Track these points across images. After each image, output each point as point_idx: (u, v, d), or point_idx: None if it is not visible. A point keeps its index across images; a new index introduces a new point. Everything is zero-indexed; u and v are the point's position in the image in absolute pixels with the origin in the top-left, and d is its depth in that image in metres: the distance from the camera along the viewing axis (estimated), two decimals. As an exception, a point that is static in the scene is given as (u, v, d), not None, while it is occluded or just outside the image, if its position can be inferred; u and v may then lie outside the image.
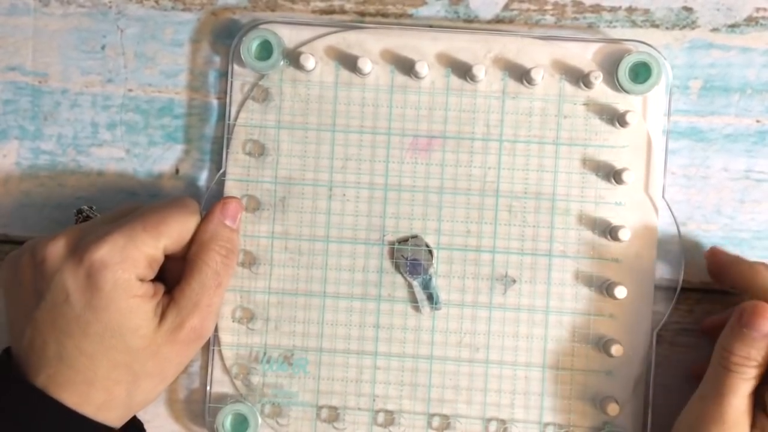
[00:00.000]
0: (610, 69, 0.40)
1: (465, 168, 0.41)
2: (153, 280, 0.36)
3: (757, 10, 0.41)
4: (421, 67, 0.40)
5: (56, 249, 0.34)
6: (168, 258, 0.36)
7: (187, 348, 0.36)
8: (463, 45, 0.41)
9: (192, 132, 0.42)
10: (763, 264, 0.37)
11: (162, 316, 0.35)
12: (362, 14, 0.42)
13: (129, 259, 0.34)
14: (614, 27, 0.41)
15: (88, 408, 0.34)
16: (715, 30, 0.41)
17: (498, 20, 0.42)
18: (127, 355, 0.34)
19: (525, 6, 0.42)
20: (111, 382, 0.34)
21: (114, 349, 0.34)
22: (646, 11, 0.41)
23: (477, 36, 0.41)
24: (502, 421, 0.40)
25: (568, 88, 0.41)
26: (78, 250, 0.34)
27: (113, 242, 0.34)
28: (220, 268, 0.36)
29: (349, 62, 0.41)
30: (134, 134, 0.43)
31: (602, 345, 0.40)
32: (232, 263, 0.37)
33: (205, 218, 0.37)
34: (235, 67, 0.41)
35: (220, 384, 0.41)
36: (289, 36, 0.41)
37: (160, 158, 0.43)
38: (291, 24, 0.41)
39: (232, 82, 0.41)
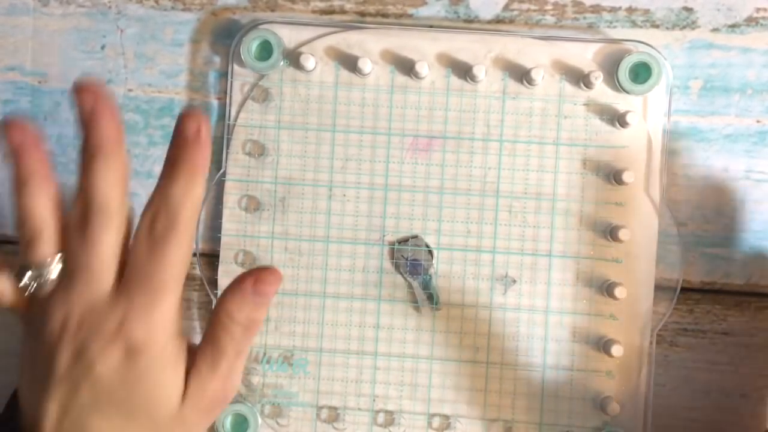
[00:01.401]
0: (611, 69, 0.40)
1: (465, 168, 0.41)
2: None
3: (757, 10, 0.41)
4: (421, 68, 0.40)
5: (94, 328, 0.32)
6: None
7: (211, 413, 0.34)
8: (463, 45, 0.41)
9: (192, 132, 0.42)
10: None
11: (186, 383, 0.33)
12: (362, 14, 0.42)
13: (160, 327, 0.32)
14: (614, 27, 0.41)
15: None
16: (715, 30, 0.41)
17: (498, 20, 0.42)
18: (154, 427, 0.32)
19: (525, 6, 0.42)
20: None
21: (142, 424, 0.32)
22: (646, 11, 0.41)
23: (477, 36, 0.41)
24: (503, 421, 0.40)
25: (569, 88, 0.41)
26: (114, 330, 0.31)
27: (144, 313, 0.31)
28: (241, 338, 0.33)
29: (349, 62, 0.41)
30: (134, 134, 0.43)
31: (602, 345, 0.40)
32: (254, 332, 0.33)
33: (235, 288, 0.32)
34: (235, 67, 0.41)
35: (220, 384, 0.41)
36: (289, 36, 0.41)
37: (160, 158, 0.42)
38: (291, 24, 0.41)
39: (232, 82, 0.41)
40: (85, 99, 0.31)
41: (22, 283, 0.33)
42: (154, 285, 0.32)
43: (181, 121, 0.32)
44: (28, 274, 0.33)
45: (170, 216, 0.32)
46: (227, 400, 0.34)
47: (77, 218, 0.32)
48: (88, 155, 0.32)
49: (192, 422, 0.33)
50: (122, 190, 0.32)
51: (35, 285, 0.33)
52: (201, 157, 0.32)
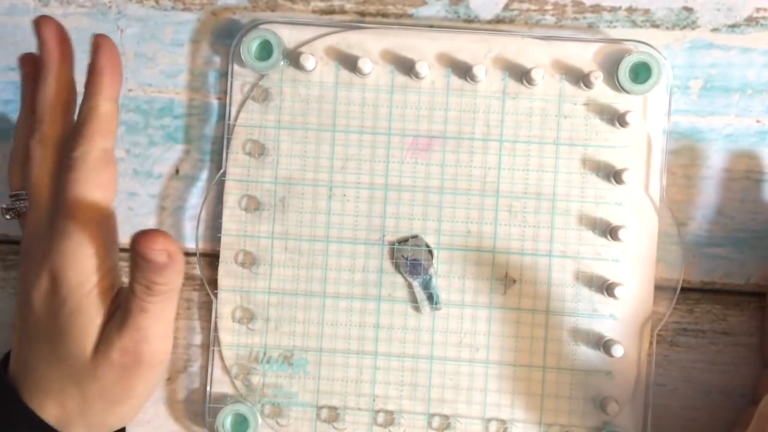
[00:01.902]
0: (611, 69, 0.40)
1: (465, 168, 0.41)
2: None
3: (758, 10, 0.41)
4: (421, 67, 0.40)
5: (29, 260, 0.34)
6: None
7: (126, 372, 0.33)
8: (463, 45, 0.41)
9: (192, 132, 0.42)
10: None
11: (99, 337, 0.33)
12: (362, 14, 0.42)
13: (80, 257, 0.33)
14: (614, 27, 0.41)
15: (48, 419, 0.33)
16: (715, 30, 0.41)
17: (498, 20, 0.42)
18: (72, 368, 0.33)
19: (525, 6, 0.42)
20: (64, 396, 0.33)
21: (62, 359, 0.33)
22: (647, 11, 0.41)
23: (477, 36, 0.41)
24: (503, 422, 0.40)
25: (569, 88, 0.41)
26: (41, 257, 0.33)
27: (72, 245, 0.33)
28: (142, 296, 0.32)
29: (349, 62, 0.41)
30: (134, 134, 0.43)
31: (602, 345, 0.40)
32: (157, 292, 0.32)
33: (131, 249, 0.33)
34: (235, 67, 0.41)
35: (220, 384, 0.41)
36: (289, 36, 0.41)
37: (160, 158, 0.43)
38: (291, 24, 0.41)
39: (232, 82, 0.41)
40: (36, 28, 0.35)
41: (3, 205, 0.37)
42: (66, 207, 0.33)
43: (93, 44, 0.35)
44: (8, 199, 0.37)
45: (75, 134, 0.34)
46: (144, 365, 0.33)
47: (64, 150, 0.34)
48: (40, 77, 0.35)
49: (104, 376, 0.33)
50: (57, 106, 0.34)
51: (14, 211, 0.37)
52: (103, 75, 0.35)
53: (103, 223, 0.34)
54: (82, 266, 0.33)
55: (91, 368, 0.33)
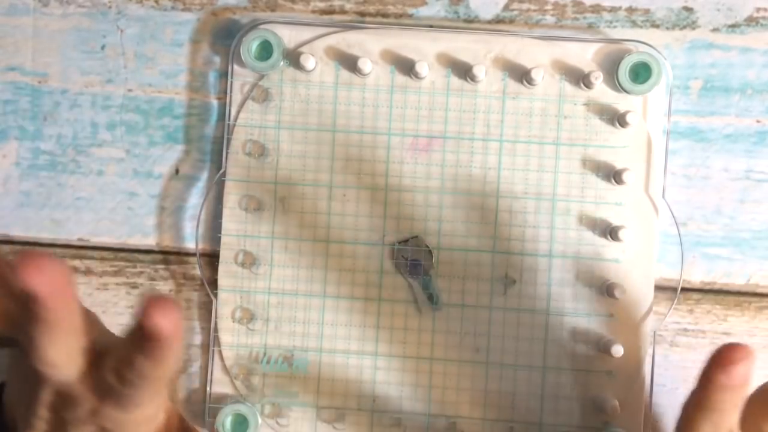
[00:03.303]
0: (611, 69, 0.40)
1: (465, 168, 0.41)
2: None
3: (758, 10, 0.41)
4: (421, 68, 0.40)
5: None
6: None
7: None
8: (463, 45, 0.41)
9: (192, 132, 0.42)
10: None
11: None
12: (362, 14, 0.42)
13: (140, 422, 0.30)
14: (614, 27, 0.41)
15: None
16: (715, 30, 0.41)
17: (498, 20, 0.42)
18: None
19: (525, 6, 0.42)
20: None
21: None
22: (647, 11, 0.41)
23: (477, 36, 0.41)
24: (503, 421, 0.40)
25: (569, 88, 0.41)
26: (88, 413, 0.29)
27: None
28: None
29: (349, 62, 0.41)
30: (134, 134, 0.43)
31: (602, 345, 0.40)
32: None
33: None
34: (235, 67, 0.41)
35: (220, 384, 0.41)
36: (289, 36, 0.41)
37: (160, 158, 0.43)
38: (291, 24, 0.41)
39: (232, 82, 0.41)
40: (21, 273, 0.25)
41: None
42: (127, 405, 0.29)
43: (145, 312, 0.26)
44: None
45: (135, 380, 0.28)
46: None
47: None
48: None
49: None
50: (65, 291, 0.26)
51: None
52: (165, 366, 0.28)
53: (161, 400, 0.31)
54: (136, 428, 0.30)
55: None
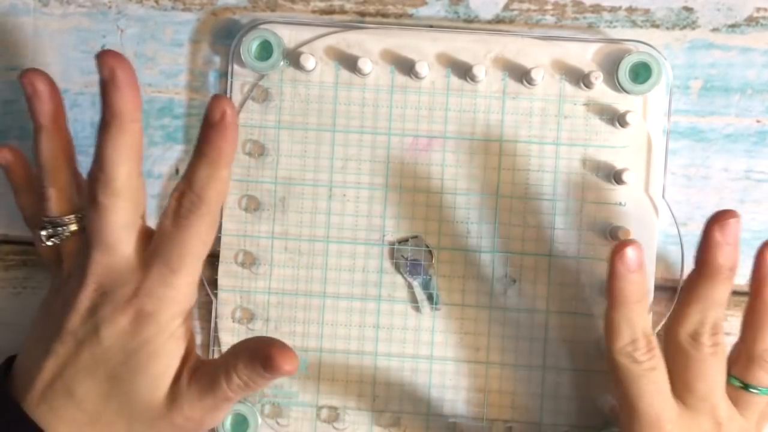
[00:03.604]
0: (611, 69, 0.40)
1: (465, 168, 0.41)
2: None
3: (758, 10, 0.41)
4: (421, 68, 0.40)
5: (109, 299, 0.33)
6: None
7: (182, 431, 0.34)
8: (463, 45, 0.41)
9: (192, 132, 0.42)
10: None
11: (172, 385, 0.34)
12: (362, 14, 0.42)
13: (172, 301, 0.33)
14: (614, 27, 0.41)
15: None
16: (715, 30, 0.41)
17: (498, 20, 0.42)
18: (133, 407, 0.33)
19: (525, 6, 0.42)
20: (109, 430, 0.33)
21: (127, 397, 0.33)
22: (647, 11, 0.41)
23: (477, 36, 0.41)
24: (503, 422, 0.40)
25: (568, 88, 0.41)
26: (128, 297, 0.33)
27: (159, 286, 0.33)
28: (235, 389, 0.33)
29: (349, 62, 0.41)
30: (134, 134, 0.43)
31: (602, 345, 0.40)
32: (253, 390, 0.34)
33: (253, 351, 0.33)
34: (235, 67, 0.41)
35: (220, 384, 0.41)
36: (289, 36, 0.41)
37: (160, 158, 0.43)
38: (291, 24, 0.41)
39: (232, 82, 0.41)
40: (105, 67, 0.33)
41: (43, 233, 0.36)
42: (172, 260, 0.33)
43: (209, 106, 0.33)
44: (47, 227, 0.36)
45: (194, 196, 0.33)
46: (200, 431, 0.35)
47: (89, 185, 0.34)
48: (101, 124, 0.33)
49: (160, 429, 0.34)
50: (130, 163, 0.33)
51: (54, 238, 0.36)
52: (225, 142, 0.33)
53: (197, 276, 0.35)
54: (173, 313, 0.33)
55: (152, 416, 0.33)
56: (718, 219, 0.34)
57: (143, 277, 0.33)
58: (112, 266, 0.34)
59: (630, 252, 0.34)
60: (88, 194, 0.34)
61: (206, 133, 0.33)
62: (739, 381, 0.36)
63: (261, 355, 0.32)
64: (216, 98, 0.33)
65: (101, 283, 0.34)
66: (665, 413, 0.34)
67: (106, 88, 0.33)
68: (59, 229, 0.36)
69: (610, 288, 0.34)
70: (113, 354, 0.33)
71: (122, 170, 0.33)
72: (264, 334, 0.41)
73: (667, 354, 0.36)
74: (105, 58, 0.32)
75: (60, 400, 0.33)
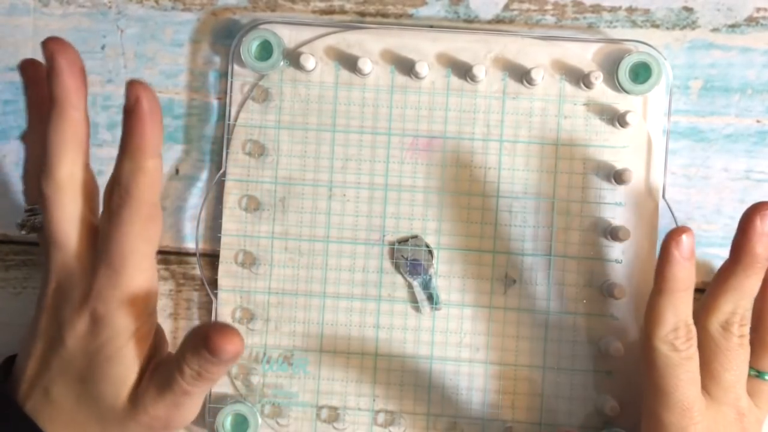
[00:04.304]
0: (611, 69, 0.40)
1: (465, 168, 0.41)
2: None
3: (758, 10, 0.41)
4: (421, 68, 0.40)
5: (71, 295, 0.33)
6: None
7: (152, 431, 0.34)
8: (463, 45, 0.41)
9: (192, 132, 0.42)
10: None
11: (135, 387, 0.33)
12: (362, 14, 0.42)
13: (123, 303, 0.32)
14: (614, 27, 0.41)
15: None
16: (715, 30, 0.41)
17: (498, 20, 0.42)
18: (100, 410, 0.33)
19: (525, 6, 0.42)
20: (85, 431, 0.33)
21: (94, 399, 0.33)
22: (647, 11, 0.41)
23: (477, 36, 0.41)
24: (503, 421, 0.40)
25: (569, 88, 0.41)
26: (81, 299, 0.32)
27: (113, 288, 0.32)
28: (190, 381, 0.32)
29: (349, 62, 0.41)
30: (134, 134, 0.42)
31: (602, 345, 0.40)
32: (208, 380, 0.32)
33: (195, 336, 0.31)
34: (235, 67, 0.41)
35: (220, 384, 0.41)
36: (289, 36, 0.41)
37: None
38: (291, 24, 0.41)
39: (232, 82, 0.41)
40: (46, 52, 0.31)
41: (19, 220, 0.36)
42: (114, 260, 0.32)
43: (125, 93, 0.31)
44: (23, 215, 0.36)
45: (122, 191, 0.32)
46: (171, 428, 0.34)
47: (39, 178, 0.33)
48: (47, 111, 0.32)
49: (130, 429, 0.33)
50: (73, 154, 0.32)
51: (26, 228, 0.35)
52: (144, 130, 0.31)
53: (149, 273, 0.33)
54: (126, 314, 0.32)
55: (120, 417, 0.33)
56: (759, 209, 0.34)
57: (93, 277, 0.32)
58: (66, 264, 0.33)
59: (686, 238, 0.33)
60: (38, 187, 0.32)
61: (125, 123, 0.31)
62: (754, 370, 0.36)
63: (203, 340, 0.30)
64: (130, 84, 0.30)
65: (59, 282, 0.33)
66: (697, 403, 0.34)
67: (48, 75, 0.31)
68: (33, 218, 0.35)
69: (660, 273, 0.34)
70: (77, 356, 0.33)
71: (64, 161, 0.31)
72: (264, 334, 0.41)
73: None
74: (47, 44, 0.31)
75: (40, 400, 0.33)
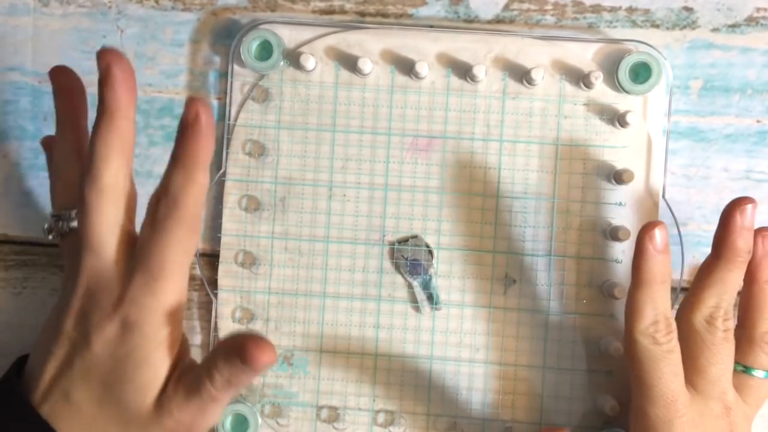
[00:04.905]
0: (611, 69, 0.40)
1: (465, 168, 0.41)
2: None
3: (758, 10, 0.41)
4: (421, 68, 0.40)
5: (101, 300, 0.33)
6: None
7: None
8: (463, 45, 0.41)
9: (192, 132, 0.42)
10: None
11: (161, 393, 0.33)
12: (362, 14, 0.42)
13: (156, 310, 0.33)
14: (614, 27, 0.41)
15: None
16: (715, 30, 0.41)
17: (498, 20, 0.42)
18: (124, 414, 0.33)
19: (525, 6, 0.42)
20: None
21: (117, 404, 0.33)
22: (647, 11, 0.41)
23: (477, 36, 0.41)
24: (503, 421, 0.40)
25: (569, 88, 0.41)
26: (113, 304, 0.33)
27: (147, 295, 0.32)
28: (220, 388, 0.32)
29: (349, 62, 0.41)
30: (134, 134, 0.42)
31: (602, 345, 0.40)
32: (237, 387, 0.33)
33: (230, 346, 0.32)
34: (235, 67, 0.41)
35: (220, 384, 0.41)
36: (289, 36, 0.41)
37: (160, 158, 0.43)
38: (291, 24, 0.41)
39: (232, 82, 0.41)
40: (102, 63, 0.32)
41: (45, 225, 0.36)
42: (153, 267, 0.32)
43: (184, 108, 0.32)
44: (49, 220, 0.36)
45: (170, 201, 0.32)
46: None
47: (78, 182, 0.33)
48: (95, 120, 0.33)
49: None
50: (119, 161, 0.33)
51: (53, 233, 0.35)
52: (199, 145, 0.32)
53: (183, 283, 0.34)
54: (158, 322, 0.33)
55: (144, 422, 0.33)
56: (738, 204, 0.35)
57: (128, 284, 0.32)
58: (100, 269, 0.33)
59: (659, 232, 0.35)
60: (77, 191, 0.33)
61: (181, 136, 0.32)
62: (740, 365, 0.36)
63: (238, 349, 0.31)
64: (190, 100, 0.31)
65: (89, 287, 0.33)
66: (681, 396, 0.34)
67: (101, 84, 0.32)
68: (60, 223, 0.35)
69: (636, 267, 0.35)
70: (103, 360, 0.33)
71: (110, 167, 0.32)
72: (264, 334, 0.41)
73: (680, 339, 0.36)
74: (103, 54, 0.32)
75: (59, 402, 0.33)
